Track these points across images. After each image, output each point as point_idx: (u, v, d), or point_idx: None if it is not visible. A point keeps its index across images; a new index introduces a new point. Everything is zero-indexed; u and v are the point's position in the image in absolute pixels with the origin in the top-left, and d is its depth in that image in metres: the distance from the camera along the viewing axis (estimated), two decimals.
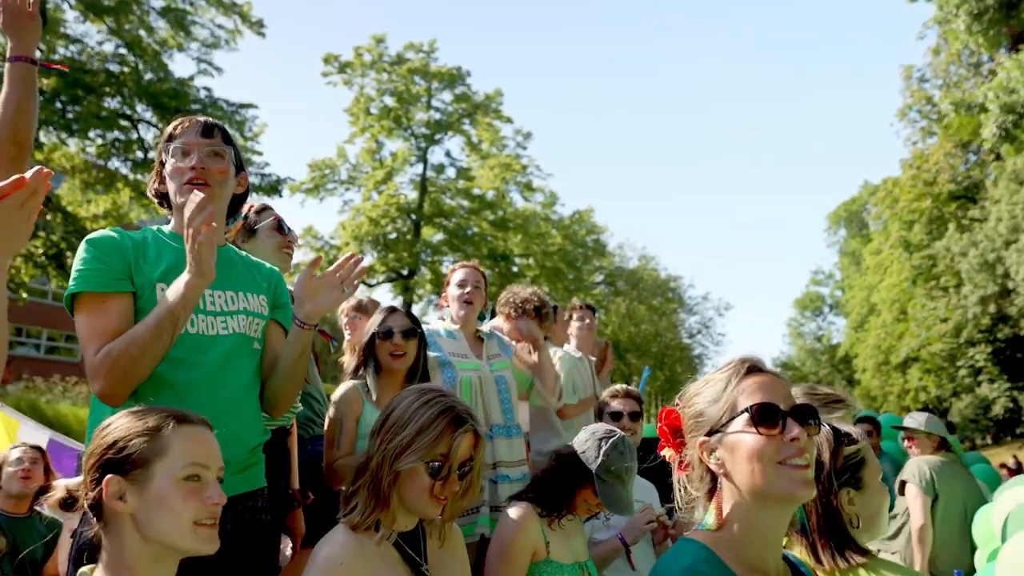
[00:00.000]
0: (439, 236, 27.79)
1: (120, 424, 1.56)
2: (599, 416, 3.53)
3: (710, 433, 1.37)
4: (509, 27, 78.89)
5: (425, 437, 1.84)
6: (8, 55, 2.27)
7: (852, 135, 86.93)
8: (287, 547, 3.23)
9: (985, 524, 3.75)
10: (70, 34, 17.58)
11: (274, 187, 19.65)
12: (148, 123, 18.83)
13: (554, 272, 26.77)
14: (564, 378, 4.17)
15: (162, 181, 2.13)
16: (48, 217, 16.50)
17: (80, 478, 1.69)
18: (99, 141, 18.11)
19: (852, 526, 1.78)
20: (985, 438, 28.90)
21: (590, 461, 2.59)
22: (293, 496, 3.11)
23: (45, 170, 1.46)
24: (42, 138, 17.35)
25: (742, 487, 1.32)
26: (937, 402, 28.34)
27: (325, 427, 3.03)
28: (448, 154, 28.96)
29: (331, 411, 3.02)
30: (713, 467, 1.37)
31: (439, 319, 3.74)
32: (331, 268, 2.14)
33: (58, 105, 17.04)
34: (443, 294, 3.72)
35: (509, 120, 28.60)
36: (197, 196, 1.86)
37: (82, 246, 1.95)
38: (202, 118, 2.14)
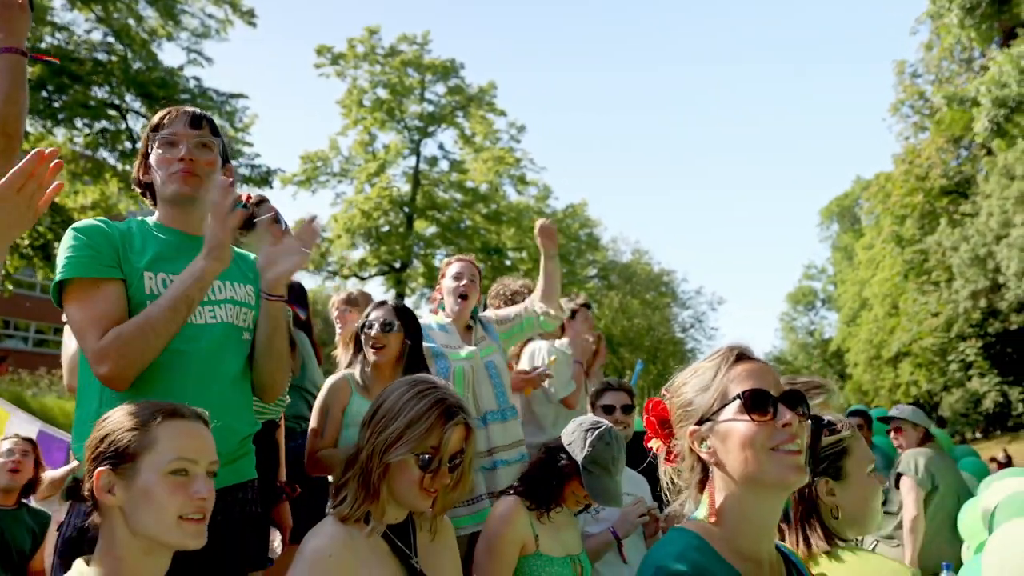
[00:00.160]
0: (432, 229, 27.72)
1: (115, 417, 1.58)
2: (592, 410, 3.50)
3: (700, 422, 1.36)
4: (503, 19, 78.71)
5: (416, 429, 1.83)
6: None
7: (845, 130, 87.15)
8: (276, 540, 3.22)
9: (971, 517, 3.74)
10: (57, 22, 17.39)
11: (265, 179, 19.54)
12: (137, 113, 18.66)
13: None
14: (558, 373, 4.09)
15: (147, 171, 2.11)
16: None
17: (64, 469, 1.66)
18: (86, 131, 17.92)
19: (832, 516, 1.77)
20: (975, 432, 29.05)
21: (576, 452, 2.59)
22: (281, 489, 3.11)
23: (46, 151, 1.44)
24: (28, 127, 17.08)
25: (734, 475, 1.31)
26: (928, 396, 28.45)
27: (312, 415, 3.03)
28: (441, 147, 28.98)
29: (319, 399, 3.03)
30: (704, 456, 1.35)
31: (431, 312, 3.73)
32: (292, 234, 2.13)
33: (44, 94, 16.83)
34: (437, 287, 3.72)
35: (503, 113, 28.55)
36: (223, 181, 1.91)
37: (68, 234, 1.92)
38: (190, 108, 2.12)
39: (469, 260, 3.68)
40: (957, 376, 26.00)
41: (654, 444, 1.47)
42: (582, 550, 2.69)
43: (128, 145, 18.32)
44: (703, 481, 1.38)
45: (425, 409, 1.85)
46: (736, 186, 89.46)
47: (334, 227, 26.47)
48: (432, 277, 21.70)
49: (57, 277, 1.89)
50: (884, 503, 4.77)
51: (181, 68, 19.34)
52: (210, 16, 20.02)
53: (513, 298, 4.08)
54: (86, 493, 1.57)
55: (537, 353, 4.10)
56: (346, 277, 26.97)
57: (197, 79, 19.47)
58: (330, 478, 2.88)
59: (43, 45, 16.86)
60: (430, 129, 28.16)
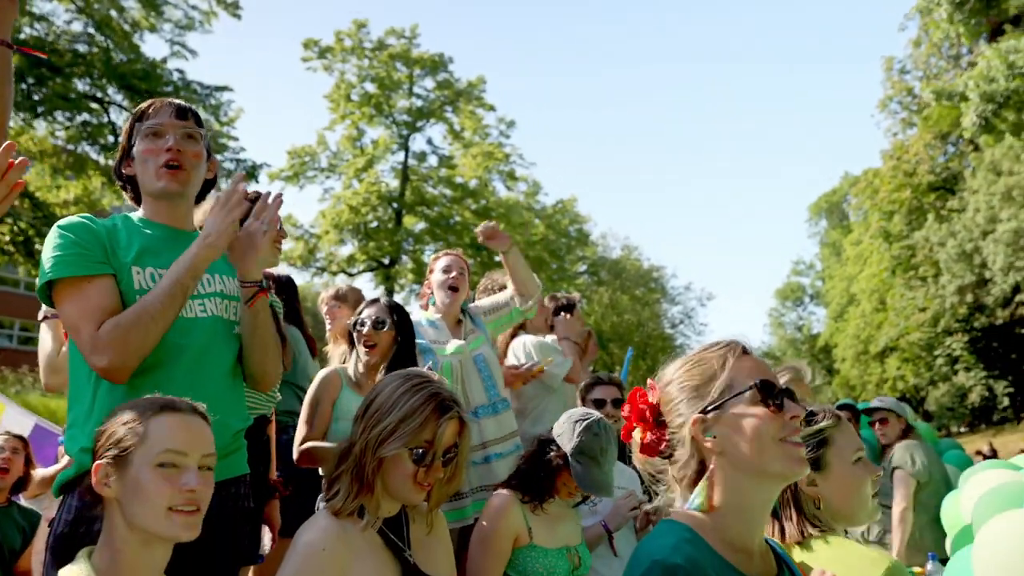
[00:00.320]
0: (421, 225, 27.62)
1: (116, 413, 1.62)
2: (582, 404, 3.49)
3: (706, 410, 1.35)
4: (492, 13, 78.46)
5: (410, 424, 1.83)
6: None
7: (833, 127, 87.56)
8: (266, 537, 3.22)
9: (953, 509, 3.73)
10: (36, 12, 17.11)
11: (251, 173, 19.36)
12: (119, 106, 18.43)
13: (537, 262, 26.64)
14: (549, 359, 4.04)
15: (129, 164, 2.08)
16: (15, 203, 16.03)
17: (54, 468, 1.65)
18: (67, 124, 17.67)
19: (815, 507, 1.76)
20: (960, 426, 29.26)
21: (565, 444, 2.61)
22: (273, 487, 3.11)
23: (10, 148, 1.42)
24: (10, 121, 16.81)
25: (741, 465, 1.32)
26: (914, 391, 28.65)
27: (303, 407, 3.02)
28: (430, 142, 28.81)
29: (310, 391, 3.03)
30: (709, 445, 1.34)
31: (420, 307, 3.73)
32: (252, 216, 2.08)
33: (23, 87, 16.55)
34: (426, 282, 3.71)
35: (492, 108, 28.44)
36: (240, 176, 1.98)
37: (54, 232, 1.90)
38: (175, 100, 2.10)
39: (457, 254, 3.69)
40: (943, 370, 26.20)
41: (636, 434, 1.45)
42: (581, 542, 2.70)
43: (111, 139, 18.09)
44: (699, 472, 1.37)
45: (419, 403, 1.85)
46: (725, 182, 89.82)
47: (322, 223, 26.31)
48: (421, 273, 21.60)
49: (46, 276, 1.86)
50: (876, 495, 4.85)
51: (164, 60, 19.12)
52: (194, 7, 19.82)
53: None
54: (88, 486, 1.62)
55: (523, 349, 4.07)
56: (334, 273, 26.84)
57: (181, 71, 19.28)
58: (321, 471, 2.89)
59: (22, 36, 16.58)
60: (419, 124, 28.02)
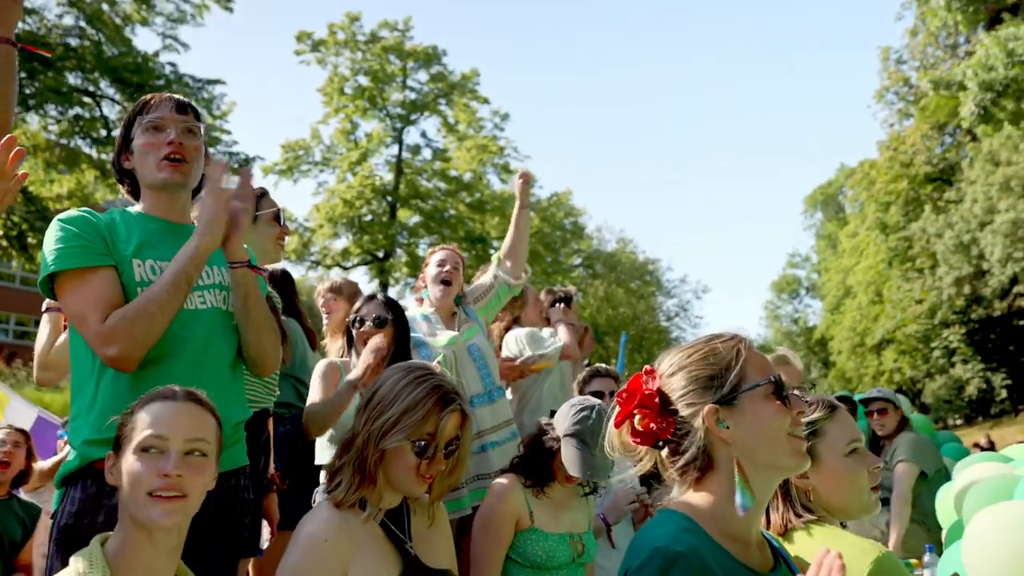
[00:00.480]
0: (415, 218, 27.55)
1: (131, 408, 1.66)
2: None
3: (721, 401, 1.35)
4: (485, 6, 78.09)
5: (412, 416, 1.84)
6: None
7: (829, 118, 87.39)
8: (264, 531, 3.23)
9: (946, 502, 3.70)
10: (27, 5, 16.94)
11: (243, 166, 19.14)
12: (112, 100, 18.33)
13: (531, 255, 26.34)
14: (541, 348, 4.07)
15: (128, 157, 2.11)
16: None
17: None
18: (59, 118, 17.58)
19: (806, 499, 1.77)
20: (956, 419, 29.26)
21: (560, 428, 2.64)
22: (271, 481, 3.13)
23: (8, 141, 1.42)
24: None
25: (750, 456, 1.33)
26: (911, 383, 28.62)
27: (312, 387, 3.03)
28: (424, 135, 28.79)
29: (313, 378, 3.05)
30: (723, 435, 1.34)
31: (416, 301, 3.74)
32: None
33: None
34: (420, 276, 3.72)
35: (486, 101, 28.37)
36: (220, 160, 2.01)
37: (55, 226, 1.92)
38: (174, 95, 2.14)
39: (452, 249, 3.68)
40: (940, 363, 26.15)
41: (636, 421, 1.41)
42: (587, 530, 2.70)
43: (103, 132, 18.00)
44: (706, 463, 1.37)
45: (421, 396, 1.86)
46: (720, 175, 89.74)
47: (316, 217, 26.21)
48: (415, 266, 21.53)
49: (49, 269, 1.89)
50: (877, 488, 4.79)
51: (156, 54, 19.01)
52: (185, 0, 19.62)
53: None
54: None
55: (515, 341, 4.09)
56: (329, 267, 26.80)
57: (173, 65, 19.17)
58: (322, 473, 2.84)
59: (16, 31, 16.37)
60: (413, 117, 27.97)
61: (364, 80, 27.13)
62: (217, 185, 1.99)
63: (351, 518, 1.84)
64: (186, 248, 1.92)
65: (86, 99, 18.10)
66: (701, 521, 1.32)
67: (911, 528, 4.54)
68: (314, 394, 2.95)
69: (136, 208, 2.11)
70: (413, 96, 27.86)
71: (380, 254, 26.76)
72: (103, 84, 18.36)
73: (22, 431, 4.02)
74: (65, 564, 1.62)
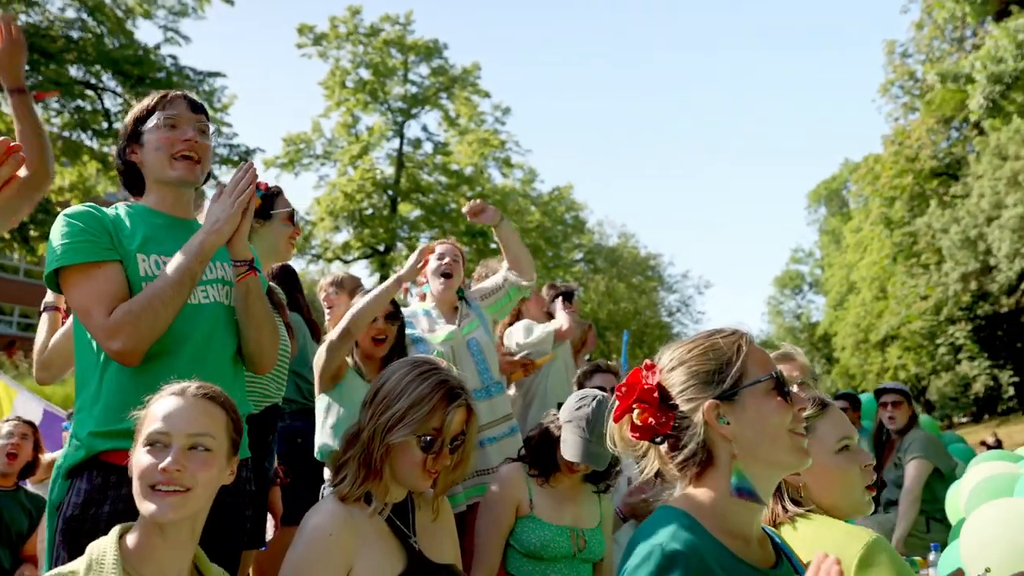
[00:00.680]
0: (416, 212, 27.52)
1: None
2: None
3: (722, 396, 1.34)
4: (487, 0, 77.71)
5: (418, 411, 1.85)
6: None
7: (833, 113, 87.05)
8: (269, 524, 3.27)
9: (953, 499, 3.79)
10: None
11: (244, 159, 19.16)
12: (113, 92, 18.28)
13: (533, 249, 26.20)
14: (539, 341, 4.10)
15: (134, 151, 2.12)
16: None
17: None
18: (60, 110, 17.52)
19: (799, 495, 1.75)
20: (963, 416, 29.10)
21: (562, 416, 2.69)
22: (275, 474, 3.18)
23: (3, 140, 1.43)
24: (5, 108, 16.77)
25: (750, 452, 1.32)
26: (915, 380, 28.46)
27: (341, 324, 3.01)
28: (425, 129, 28.66)
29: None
30: (723, 431, 1.33)
31: (418, 296, 3.79)
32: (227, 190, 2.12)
33: None
34: (422, 271, 3.71)
35: (487, 95, 28.23)
36: (249, 165, 2.04)
37: (61, 221, 1.94)
38: (189, 94, 2.17)
39: (452, 243, 3.70)
40: (946, 360, 25.98)
41: (635, 416, 1.38)
42: (594, 527, 2.70)
43: (105, 125, 17.94)
44: (706, 459, 1.35)
45: (427, 391, 1.87)
46: (723, 169, 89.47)
47: (317, 210, 26.16)
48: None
49: (54, 264, 1.91)
50: (879, 486, 4.76)
51: (158, 47, 18.91)
52: None
53: None
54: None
55: (510, 337, 4.15)
56: (330, 260, 26.79)
57: (174, 57, 19.06)
58: (325, 472, 2.89)
59: (18, 23, 16.32)
60: (414, 111, 27.88)
61: (365, 73, 27.03)
62: (236, 187, 2.01)
63: (356, 512, 1.85)
64: (192, 244, 1.94)
65: (88, 92, 18.01)
66: (701, 518, 1.31)
67: (923, 525, 4.49)
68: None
69: (140, 202, 2.14)
70: (414, 90, 27.77)
71: (381, 248, 26.68)
72: (104, 77, 18.30)
73: (30, 423, 4.08)
74: (71, 555, 1.67)
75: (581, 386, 3.48)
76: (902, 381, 27.86)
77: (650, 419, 1.38)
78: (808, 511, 1.73)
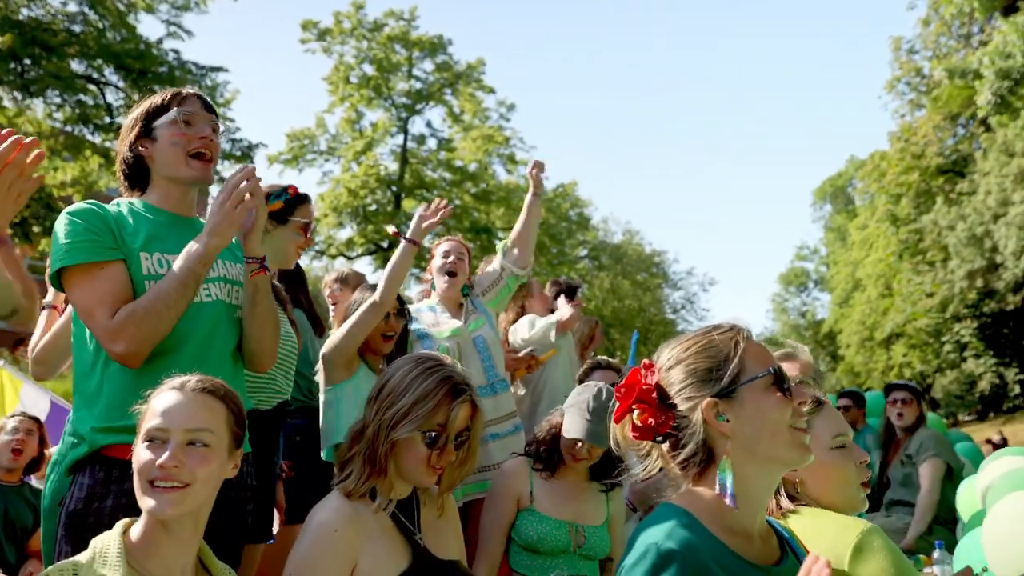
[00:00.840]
0: (420, 208, 27.28)
1: None
2: None
3: (720, 394, 1.33)
4: None
5: (423, 407, 1.85)
6: None
7: (839, 109, 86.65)
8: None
9: (968, 496, 3.80)
10: None
11: (246, 154, 19.13)
12: (115, 87, 18.24)
13: (537, 246, 26.14)
14: (542, 335, 4.14)
15: (143, 145, 2.10)
16: None
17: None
18: (61, 104, 17.49)
19: (795, 491, 1.76)
20: (968, 414, 28.96)
21: (565, 405, 2.72)
22: (280, 468, 3.18)
23: (26, 139, 1.45)
24: (6, 103, 16.79)
25: (750, 449, 1.32)
26: (920, 378, 28.34)
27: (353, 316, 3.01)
28: (429, 125, 28.60)
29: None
30: (723, 429, 1.32)
31: (424, 293, 3.80)
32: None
33: (16, 66, 16.33)
34: (427, 268, 3.75)
35: (492, 91, 28.12)
36: (250, 169, 2.02)
37: (64, 219, 1.94)
38: (201, 93, 2.17)
39: (458, 240, 3.70)
40: (952, 357, 25.87)
41: (635, 416, 1.38)
42: (599, 524, 2.70)
43: (107, 120, 17.92)
44: (706, 457, 1.35)
45: (432, 387, 1.88)
46: (728, 166, 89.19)
47: (321, 206, 26.12)
48: (420, 256, 21.37)
49: (58, 264, 1.90)
50: (889, 484, 4.84)
51: (160, 41, 18.87)
52: None
53: None
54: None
55: (519, 331, 4.17)
56: (333, 257, 26.77)
57: (176, 52, 19.02)
58: (324, 457, 2.91)
59: (20, 17, 16.43)
60: (418, 107, 27.79)
61: (369, 69, 26.94)
62: (232, 190, 1.98)
63: (361, 508, 1.85)
64: (195, 247, 1.92)
65: (90, 86, 17.99)
66: (701, 516, 1.30)
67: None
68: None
69: (142, 199, 2.12)
70: (418, 85, 27.67)
71: (384, 244, 26.64)
72: (107, 72, 18.29)
73: (35, 419, 4.09)
74: (74, 550, 1.66)
75: (581, 383, 3.39)
76: (907, 379, 27.77)
77: (650, 419, 1.37)
78: (803, 506, 1.74)
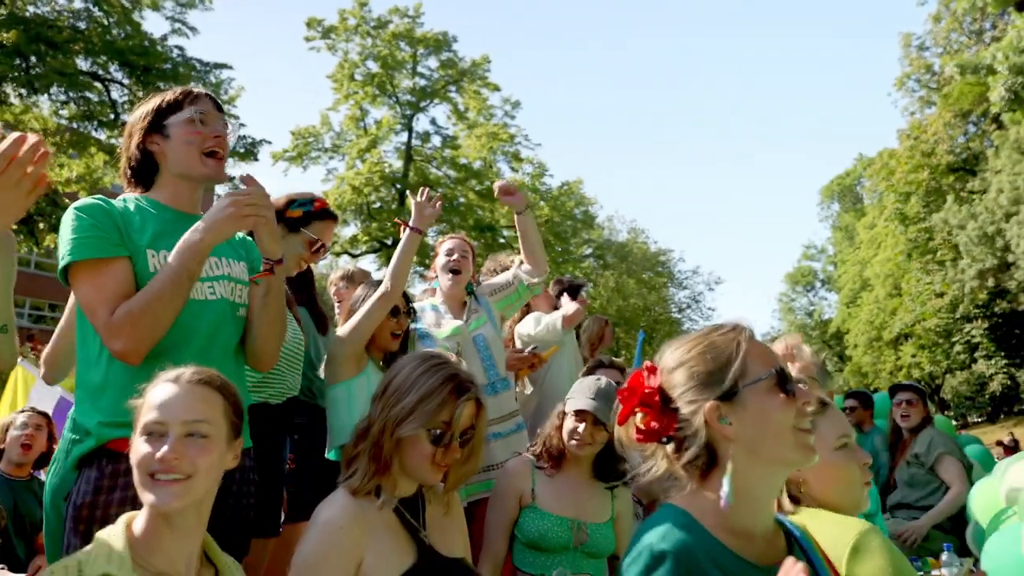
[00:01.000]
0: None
1: None
2: None
3: (723, 396, 1.32)
4: None
5: (427, 405, 1.86)
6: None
7: (847, 107, 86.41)
8: None
9: (986, 497, 3.81)
10: None
11: (250, 150, 19.03)
12: (120, 84, 18.19)
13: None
14: (546, 333, 4.19)
15: (154, 141, 2.11)
16: None
17: None
18: (65, 100, 17.48)
19: (799, 491, 1.75)
20: (979, 416, 28.77)
21: (568, 395, 2.75)
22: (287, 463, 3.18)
23: (32, 138, 1.45)
24: (13, 99, 16.74)
25: (755, 452, 1.31)
26: (929, 379, 28.15)
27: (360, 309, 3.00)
28: (434, 122, 28.52)
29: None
30: (728, 433, 1.31)
31: (428, 291, 3.79)
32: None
33: (19, 62, 16.29)
34: (432, 266, 3.75)
35: (496, 88, 28.05)
36: (250, 178, 2.03)
37: (71, 214, 1.95)
38: (211, 93, 2.19)
39: (461, 237, 3.69)
40: (961, 358, 25.71)
41: (639, 419, 1.37)
42: (604, 522, 2.70)
43: (111, 116, 17.87)
44: (710, 460, 1.34)
45: (437, 384, 1.88)
46: (735, 164, 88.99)
47: None
48: (424, 254, 21.28)
49: (66, 260, 1.91)
50: (896, 486, 4.80)
51: (164, 38, 18.81)
52: None
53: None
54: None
55: (525, 328, 4.20)
56: (338, 254, 26.77)
57: (180, 48, 18.95)
58: (328, 456, 2.90)
59: (26, 15, 16.40)
60: (422, 104, 27.77)
61: (374, 66, 26.90)
62: (238, 195, 1.99)
63: (367, 506, 1.86)
64: (188, 243, 1.92)
65: (95, 83, 17.96)
66: (702, 516, 1.30)
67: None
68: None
69: (147, 195, 2.13)
70: (423, 83, 27.63)
71: (389, 241, 26.58)
72: (112, 68, 18.26)
73: (44, 414, 4.13)
74: (83, 543, 1.67)
75: None
76: (916, 380, 27.61)
77: (653, 423, 1.36)
78: (803, 507, 1.75)
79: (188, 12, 19.57)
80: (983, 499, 3.85)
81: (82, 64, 17.75)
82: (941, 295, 25.37)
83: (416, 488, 1.99)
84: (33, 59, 16.57)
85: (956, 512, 4.38)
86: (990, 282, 22.45)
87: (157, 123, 2.10)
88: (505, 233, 27.20)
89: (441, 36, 27.24)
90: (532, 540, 2.61)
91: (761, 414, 1.31)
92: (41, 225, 16.47)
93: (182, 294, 1.91)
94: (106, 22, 17.91)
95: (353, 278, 4.13)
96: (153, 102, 2.14)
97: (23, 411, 4.14)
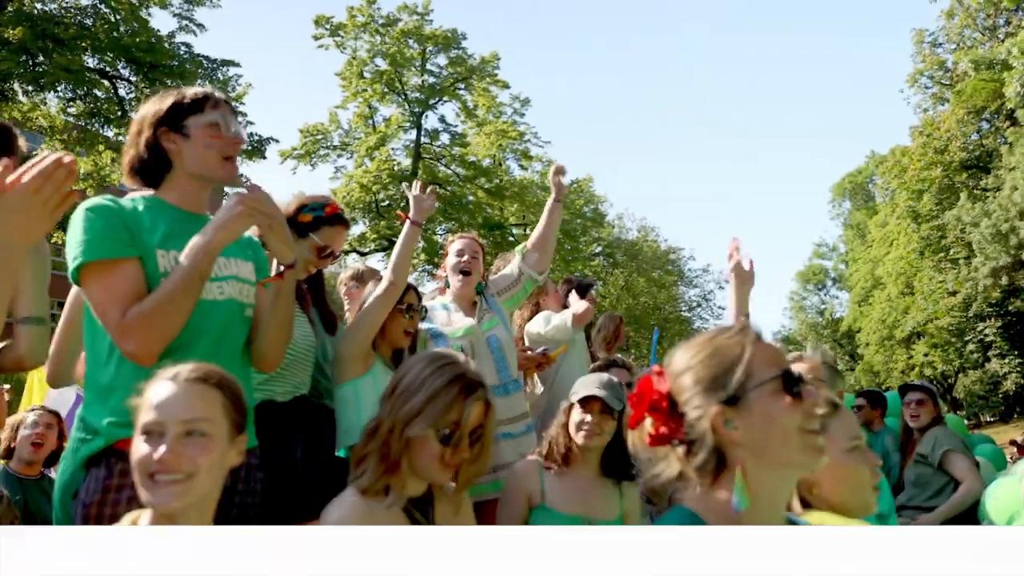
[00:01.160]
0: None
1: None
2: None
3: (729, 400, 1.31)
4: None
5: (436, 404, 1.87)
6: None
7: (858, 105, 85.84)
8: None
9: (1002, 496, 3.77)
10: None
11: (258, 148, 19.02)
12: (127, 81, 18.24)
13: None
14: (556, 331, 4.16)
15: (170, 139, 2.10)
16: None
17: None
18: (73, 97, 17.52)
19: (809, 493, 1.72)
20: (989, 416, 28.52)
21: (572, 390, 2.75)
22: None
23: (65, 159, 1.47)
24: (20, 97, 16.81)
25: (762, 456, 1.30)
26: (942, 378, 27.91)
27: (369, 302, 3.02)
28: (443, 120, 28.40)
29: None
30: (735, 437, 1.30)
31: (439, 290, 3.79)
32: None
33: (26, 59, 16.34)
34: (441, 265, 3.76)
35: (506, 86, 27.88)
36: (255, 186, 2.04)
37: (81, 214, 1.95)
38: (226, 97, 2.19)
39: (472, 237, 3.70)
40: (975, 357, 25.49)
41: (647, 427, 1.37)
42: (613, 519, 2.71)
43: (119, 114, 17.93)
44: (718, 465, 1.32)
45: (445, 384, 1.89)
46: (746, 162, 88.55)
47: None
48: (433, 252, 21.33)
49: (77, 260, 1.92)
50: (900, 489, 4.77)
51: (172, 35, 18.84)
52: None
53: None
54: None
55: (535, 326, 4.20)
56: (346, 253, 26.69)
57: (187, 45, 18.96)
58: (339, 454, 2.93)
59: (34, 12, 16.48)
60: (431, 102, 27.64)
61: (383, 64, 26.80)
62: (247, 195, 2.01)
63: (376, 506, 1.88)
64: (199, 244, 1.94)
65: (102, 80, 18.02)
66: (710, 518, 1.30)
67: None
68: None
69: (155, 195, 2.13)
70: (432, 80, 27.51)
71: (397, 240, 26.58)
72: (119, 65, 18.31)
73: (54, 412, 4.13)
74: None
75: None
76: (928, 379, 27.44)
77: (662, 428, 1.36)
78: (811, 510, 1.74)
79: (195, 9, 19.56)
80: (998, 499, 3.79)
81: (89, 61, 17.78)
82: (954, 293, 25.14)
83: (425, 488, 2.00)
84: (40, 56, 16.62)
85: (968, 509, 4.32)
86: (1004, 280, 22.22)
87: (175, 121, 2.10)
88: (514, 232, 27.17)
89: (450, 33, 27.10)
90: None
91: (766, 417, 1.30)
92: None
93: (194, 294, 1.93)
94: (113, 19, 17.93)
95: (363, 277, 4.06)
96: (168, 99, 2.12)
97: (33, 409, 4.15)
